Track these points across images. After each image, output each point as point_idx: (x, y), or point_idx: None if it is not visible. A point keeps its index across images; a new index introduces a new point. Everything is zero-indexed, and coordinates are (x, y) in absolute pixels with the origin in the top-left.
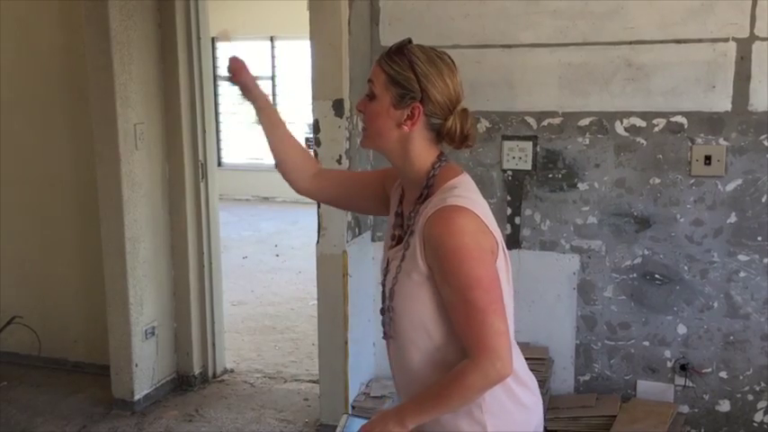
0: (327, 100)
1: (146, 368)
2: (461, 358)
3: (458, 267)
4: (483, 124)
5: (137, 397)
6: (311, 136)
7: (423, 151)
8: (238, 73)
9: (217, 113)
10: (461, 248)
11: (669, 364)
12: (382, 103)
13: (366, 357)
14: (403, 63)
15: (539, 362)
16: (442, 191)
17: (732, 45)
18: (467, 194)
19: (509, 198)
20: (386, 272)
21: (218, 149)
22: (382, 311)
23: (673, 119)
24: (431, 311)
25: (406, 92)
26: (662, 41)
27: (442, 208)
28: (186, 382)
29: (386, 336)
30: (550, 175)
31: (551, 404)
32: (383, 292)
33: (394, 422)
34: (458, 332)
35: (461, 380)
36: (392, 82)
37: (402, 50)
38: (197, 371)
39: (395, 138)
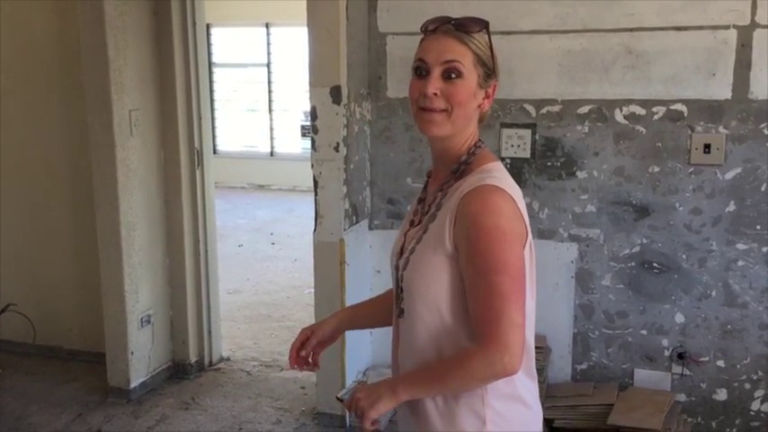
0: (325, 87)
1: (141, 356)
2: (469, 344)
3: (488, 248)
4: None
5: (132, 385)
6: (308, 123)
7: (473, 130)
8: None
9: (212, 100)
10: (496, 229)
11: (667, 353)
12: (471, 84)
13: (363, 346)
14: (484, 41)
15: (536, 350)
16: (479, 171)
17: (733, 32)
18: (506, 179)
19: None
20: (402, 252)
21: (214, 137)
22: (398, 297)
23: (672, 107)
24: (446, 291)
25: (490, 71)
26: (662, 28)
27: (480, 186)
28: (182, 371)
29: (398, 314)
30: (549, 164)
31: (548, 393)
32: (396, 275)
33: (387, 390)
34: (473, 316)
35: (465, 364)
36: (479, 61)
37: (481, 27)
38: (193, 359)
39: (471, 119)
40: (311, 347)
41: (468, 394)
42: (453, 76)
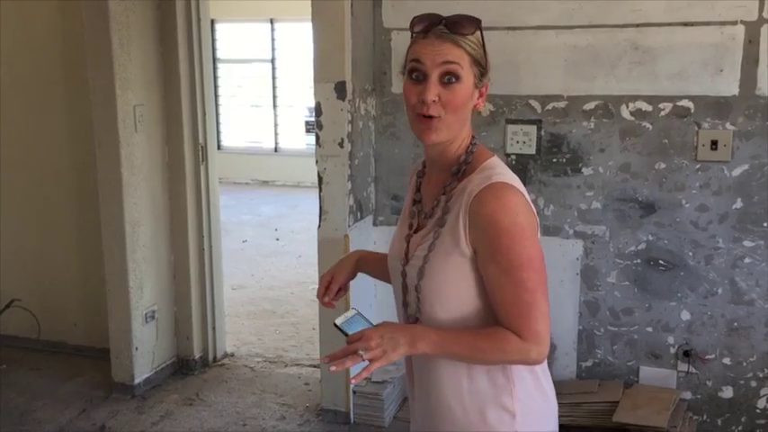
0: (329, 82)
1: (146, 352)
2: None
3: (510, 246)
4: (486, 107)
5: (137, 381)
6: (312, 119)
7: (467, 129)
8: (330, 293)
9: (216, 96)
10: (515, 226)
11: (672, 351)
12: (468, 86)
13: None
14: (478, 40)
15: None
16: (482, 169)
17: (740, 28)
18: (509, 173)
19: None
20: (407, 258)
21: (218, 132)
22: (405, 303)
23: (679, 103)
24: (468, 294)
25: (484, 70)
26: (669, 24)
27: (491, 185)
28: (186, 366)
29: (412, 322)
30: (554, 160)
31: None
32: (403, 282)
33: (406, 339)
34: (501, 312)
35: (502, 343)
36: (474, 62)
37: (475, 26)
38: (197, 355)
39: (467, 120)
40: (333, 293)
41: (497, 390)
42: (453, 80)
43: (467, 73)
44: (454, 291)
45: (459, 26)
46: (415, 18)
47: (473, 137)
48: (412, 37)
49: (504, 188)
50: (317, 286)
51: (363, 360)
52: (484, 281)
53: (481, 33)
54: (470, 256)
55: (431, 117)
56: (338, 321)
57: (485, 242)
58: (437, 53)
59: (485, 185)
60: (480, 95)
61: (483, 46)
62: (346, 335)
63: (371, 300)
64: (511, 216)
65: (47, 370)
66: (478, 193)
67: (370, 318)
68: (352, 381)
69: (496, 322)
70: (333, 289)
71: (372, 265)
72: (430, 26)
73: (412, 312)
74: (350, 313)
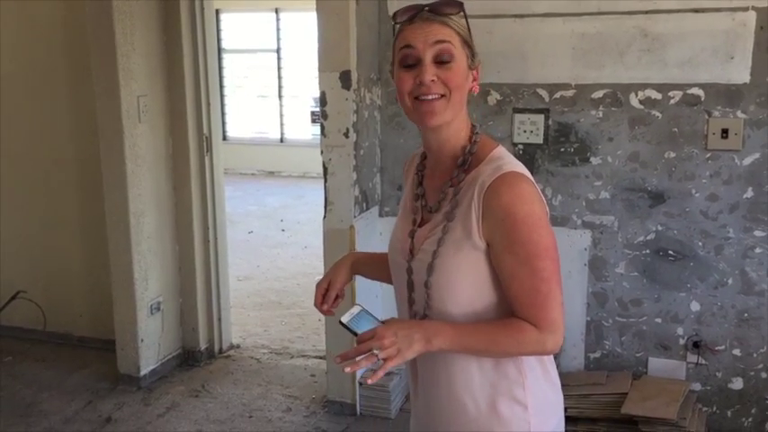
0: (334, 71)
1: (151, 343)
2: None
3: (527, 236)
4: (493, 96)
5: (142, 372)
6: (318, 109)
7: (466, 117)
8: (327, 301)
9: (221, 86)
10: (531, 216)
11: (681, 342)
12: (463, 65)
13: None
14: (463, 20)
15: None
16: (489, 160)
17: (752, 14)
18: (518, 163)
19: None
20: (412, 254)
21: (223, 123)
22: (411, 300)
23: (689, 91)
24: (480, 288)
25: (473, 51)
26: (679, 11)
27: (503, 175)
28: (192, 358)
29: (416, 319)
30: (562, 149)
31: (561, 381)
32: (409, 279)
33: (421, 336)
34: (516, 302)
35: (519, 334)
36: (464, 42)
37: (458, 7)
38: (203, 346)
39: (464, 103)
40: (332, 301)
41: (509, 383)
42: (446, 59)
43: (459, 53)
44: (466, 285)
45: (443, 6)
46: (397, 11)
47: (473, 126)
48: (395, 28)
49: (516, 178)
50: (322, 277)
51: (378, 359)
52: (498, 273)
53: (465, 16)
54: (483, 248)
55: (432, 100)
56: (344, 319)
57: (501, 233)
58: (428, 34)
59: (497, 176)
60: (474, 78)
61: (468, 29)
62: (355, 333)
63: (378, 291)
64: (527, 205)
65: (52, 362)
66: (491, 183)
67: (376, 313)
68: (368, 381)
69: (509, 315)
70: (331, 296)
71: (368, 266)
72: (415, 14)
73: (418, 309)
74: (355, 310)
